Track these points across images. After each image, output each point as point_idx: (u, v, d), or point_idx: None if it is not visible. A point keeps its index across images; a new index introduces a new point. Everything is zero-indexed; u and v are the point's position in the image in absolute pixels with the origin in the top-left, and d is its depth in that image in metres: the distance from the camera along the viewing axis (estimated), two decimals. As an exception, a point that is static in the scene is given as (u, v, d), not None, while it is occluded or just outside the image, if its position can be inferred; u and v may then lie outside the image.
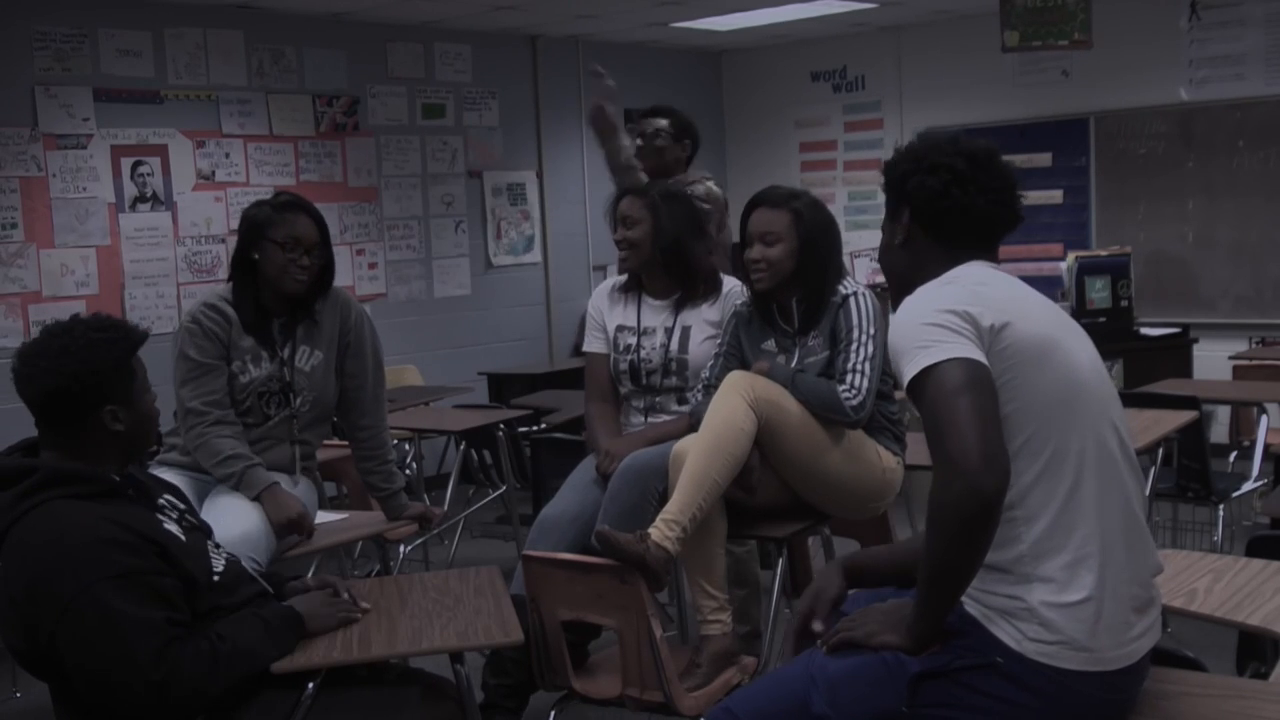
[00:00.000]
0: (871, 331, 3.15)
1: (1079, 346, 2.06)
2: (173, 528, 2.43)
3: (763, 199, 3.35)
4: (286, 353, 3.29)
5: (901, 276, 2.17)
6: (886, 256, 2.24)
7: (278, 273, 3.22)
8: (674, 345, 3.50)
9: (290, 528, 3.09)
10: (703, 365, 3.45)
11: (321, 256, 3.26)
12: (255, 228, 3.24)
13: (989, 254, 2.16)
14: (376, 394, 3.49)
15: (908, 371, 1.93)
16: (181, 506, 2.57)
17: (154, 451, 3.31)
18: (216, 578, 2.46)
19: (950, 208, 2.12)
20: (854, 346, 3.14)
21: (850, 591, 2.27)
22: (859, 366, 3.11)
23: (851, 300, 3.20)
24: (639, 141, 4.50)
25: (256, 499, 3.10)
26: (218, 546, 2.60)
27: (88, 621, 2.22)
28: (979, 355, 1.91)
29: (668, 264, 3.53)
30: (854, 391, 3.09)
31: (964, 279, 2.06)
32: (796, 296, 3.27)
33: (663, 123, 4.48)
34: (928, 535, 1.89)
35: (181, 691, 2.25)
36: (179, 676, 2.24)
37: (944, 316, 1.94)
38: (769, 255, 3.23)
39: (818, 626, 2.17)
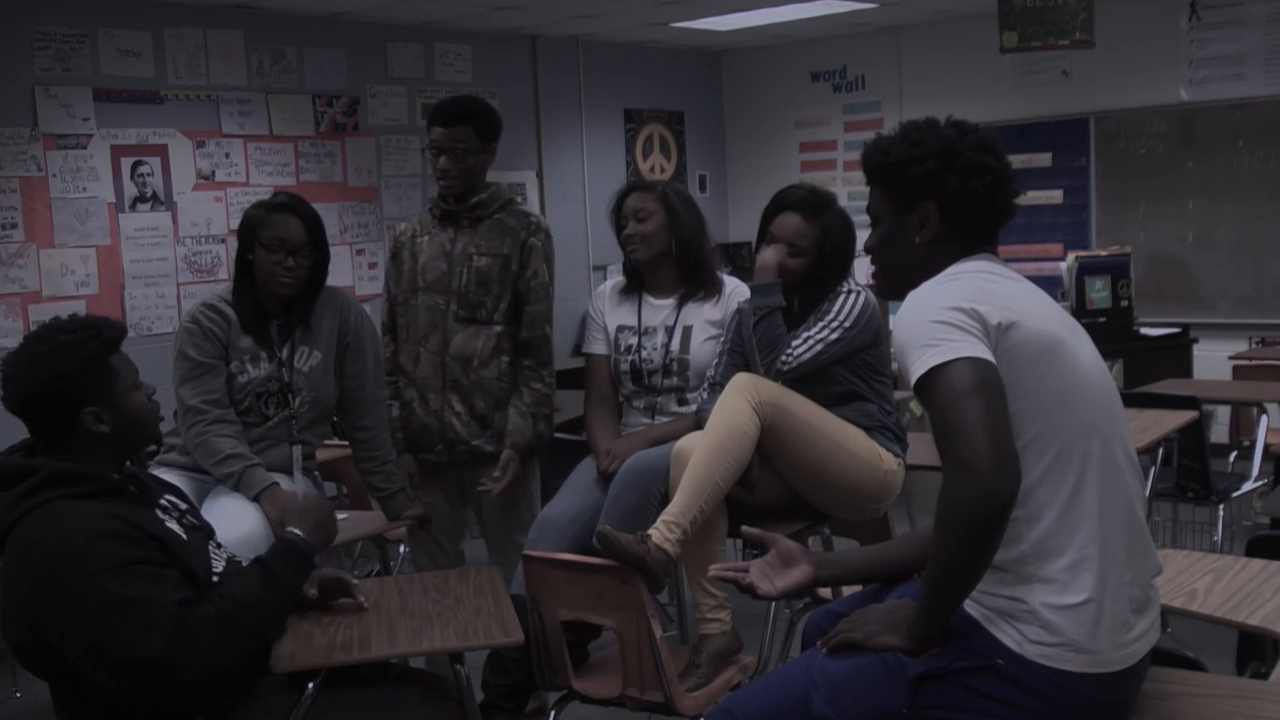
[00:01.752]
0: (846, 324, 3.17)
1: (1083, 346, 2.04)
2: (174, 526, 2.43)
3: (795, 205, 3.29)
4: (285, 353, 3.29)
5: (915, 274, 2.07)
6: (899, 253, 2.14)
7: (264, 275, 3.22)
8: (675, 345, 3.50)
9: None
10: (704, 365, 3.45)
11: (311, 257, 3.25)
12: (248, 229, 3.26)
13: (993, 248, 2.14)
14: (376, 394, 3.49)
15: (915, 370, 1.90)
16: (183, 506, 2.57)
17: (154, 451, 3.31)
18: (216, 577, 2.46)
19: (989, 210, 2.08)
20: (818, 326, 3.17)
21: (844, 595, 2.28)
22: (808, 339, 3.15)
23: (842, 296, 3.22)
24: (438, 161, 3.56)
25: (255, 499, 3.10)
26: (219, 547, 2.60)
27: (95, 613, 2.21)
28: (987, 354, 1.88)
29: (681, 258, 3.53)
30: (791, 357, 3.15)
31: (970, 274, 2.03)
32: (800, 296, 3.28)
33: (464, 130, 3.53)
34: (936, 538, 1.87)
35: (191, 676, 2.23)
36: (190, 651, 2.23)
37: (952, 314, 1.91)
38: (788, 265, 3.25)
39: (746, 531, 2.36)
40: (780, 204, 3.31)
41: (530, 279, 3.58)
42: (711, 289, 3.56)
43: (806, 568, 2.28)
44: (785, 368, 3.16)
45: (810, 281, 3.27)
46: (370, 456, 3.50)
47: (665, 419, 3.52)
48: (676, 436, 3.23)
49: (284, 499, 3.11)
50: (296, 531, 2.57)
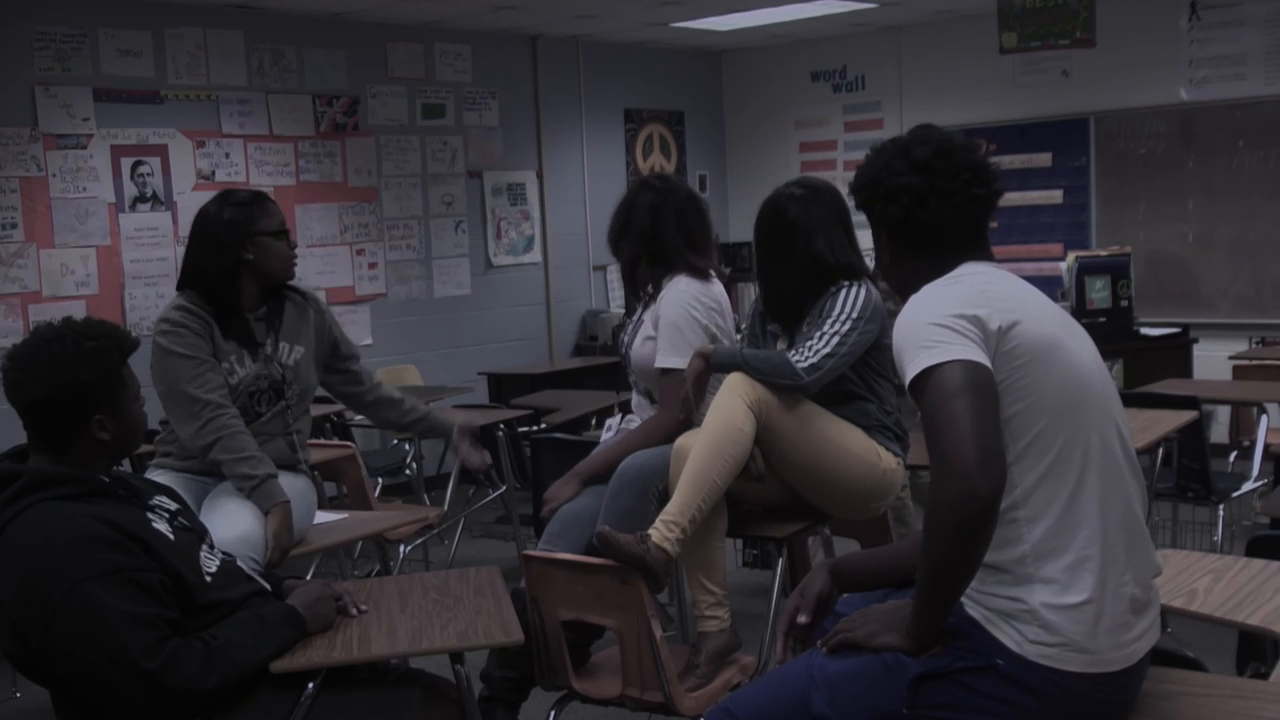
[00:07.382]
0: (854, 316, 3.11)
1: (1082, 346, 2.06)
2: (162, 526, 2.42)
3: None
4: (270, 348, 3.30)
5: (906, 291, 2.12)
6: (885, 275, 2.24)
7: (282, 263, 3.28)
8: (628, 340, 3.54)
9: (276, 543, 3.05)
10: (644, 365, 3.43)
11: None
12: (240, 228, 3.22)
13: (982, 249, 2.13)
14: (363, 363, 3.65)
15: (910, 371, 1.92)
16: (173, 508, 2.56)
17: (151, 452, 3.31)
18: (209, 577, 2.44)
19: (920, 228, 2.10)
20: (828, 322, 3.11)
21: (844, 596, 2.26)
22: (821, 335, 3.08)
23: (843, 290, 3.16)
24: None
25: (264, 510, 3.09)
26: (212, 548, 2.59)
27: (78, 619, 2.21)
28: (982, 358, 1.90)
29: (644, 261, 3.51)
30: (808, 353, 3.06)
31: (970, 276, 2.05)
32: (786, 303, 3.29)
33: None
34: (925, 537, 1.88)
35: (175, 683, 2.23)
36: (173, 668, 2.23)
37: (951, 319, 1.92)
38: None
39: (803, 619, 2.18)
40: None
41: None
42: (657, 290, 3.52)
43: (823, 574, 2.26)
44: (805, 362, 3.04)
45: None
46: (390, 407, 3.60)
47: (632, 417, 3.53)
48: (621, 455, 3.26)
49: (289, 523, 3.10)
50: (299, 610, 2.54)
